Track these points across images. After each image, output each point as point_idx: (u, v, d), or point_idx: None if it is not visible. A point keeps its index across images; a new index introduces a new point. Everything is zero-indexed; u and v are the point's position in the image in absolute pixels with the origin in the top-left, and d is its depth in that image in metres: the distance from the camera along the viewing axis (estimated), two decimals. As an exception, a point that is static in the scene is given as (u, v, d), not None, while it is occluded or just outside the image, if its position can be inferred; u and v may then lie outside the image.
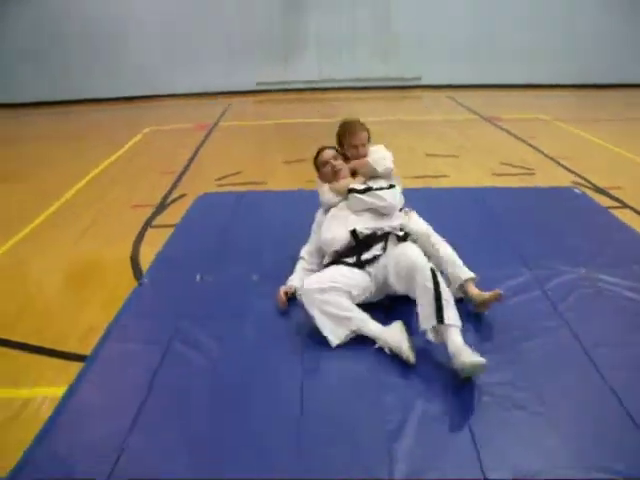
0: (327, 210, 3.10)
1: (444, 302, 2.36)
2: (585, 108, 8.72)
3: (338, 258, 2.84)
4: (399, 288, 2.64)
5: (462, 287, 2.76)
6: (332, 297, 2.57)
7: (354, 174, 3.15)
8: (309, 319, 2.55)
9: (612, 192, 4.86)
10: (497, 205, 4.32)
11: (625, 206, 4.58)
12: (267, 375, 2.41)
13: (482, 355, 2.25)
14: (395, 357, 2.39)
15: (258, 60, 9.71)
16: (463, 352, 2.25)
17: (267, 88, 9.88)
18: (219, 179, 5.18)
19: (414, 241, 2.87)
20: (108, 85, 9.74)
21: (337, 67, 9.78)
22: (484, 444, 1.99)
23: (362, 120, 3.23)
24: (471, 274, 2.77)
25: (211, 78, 9.74)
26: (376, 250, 2.81)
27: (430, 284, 2.39)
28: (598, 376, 2.33)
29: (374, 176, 3.07)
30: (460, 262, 2.83)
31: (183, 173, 5.44)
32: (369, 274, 2.76)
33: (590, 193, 4.73)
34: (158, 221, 4.28)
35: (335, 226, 2.93)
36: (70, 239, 4.05)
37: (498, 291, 2.67)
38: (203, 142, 6.63)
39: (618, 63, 9.95)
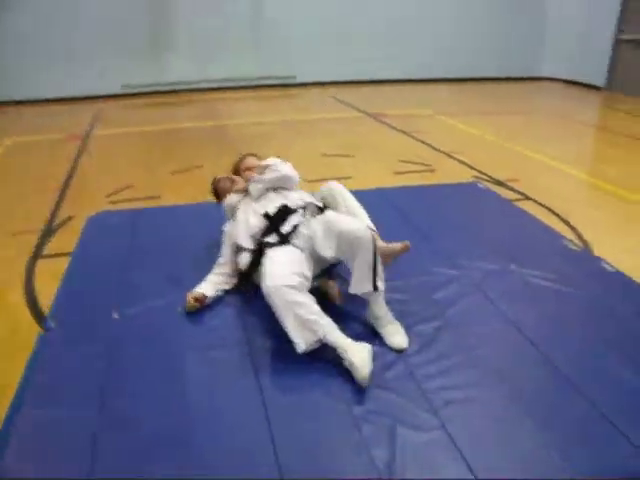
0: (233, 217, 3.14)
1: (378, 270, 2.53)
2: (462, 102, 9.07)
3: (259, 243, 2.80)
4: (328, 254, 2.63)
5: None
6: (303, 297, 2.41)
7: None
8: (266, 320, 2.54)
9: (512, 185, 5.05)
10: (408, 205, 4.32)
11: (527, 198, 4.75)
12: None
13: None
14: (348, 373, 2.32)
15: (125, 59, 8.98)
16: (392, 330, 2.55)
17: (137, 91, 9.21)
18: (109, 195, 4.66)
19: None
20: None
21: (212, 66, 9.34)
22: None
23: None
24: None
25: (75, 81, 8.87)
26: (294, 220, 2.82)
27: (370, 254, 2.49)
28: (553, 370, 2.40)
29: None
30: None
31: (64, 191, 4.83)
32: (300, 249, 2.71)
33: (492, 187, 4.89)
34: (48, 249, 3.73)
35: (244, 220, 2.97)
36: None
37: (407, 242, 2.76)
38: (80, 154, 5.98)
39: (480, 58, 10.53)
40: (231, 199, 3.24)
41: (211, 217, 3.58)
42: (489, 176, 5.28)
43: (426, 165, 5.52)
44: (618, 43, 9.93)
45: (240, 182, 3.29)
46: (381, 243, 2.75)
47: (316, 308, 2.42)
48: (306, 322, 2.35)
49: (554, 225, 4.05)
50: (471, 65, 10.63)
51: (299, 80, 9.86)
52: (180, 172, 5.26)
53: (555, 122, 8.04)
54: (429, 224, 3.97)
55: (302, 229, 2.78)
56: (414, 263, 3.22)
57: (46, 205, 4.49)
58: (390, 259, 2.76)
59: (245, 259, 2.89)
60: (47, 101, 8.85)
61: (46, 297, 3.09)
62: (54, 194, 4.74)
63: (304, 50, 9.57)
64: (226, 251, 3.04)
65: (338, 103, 8.71)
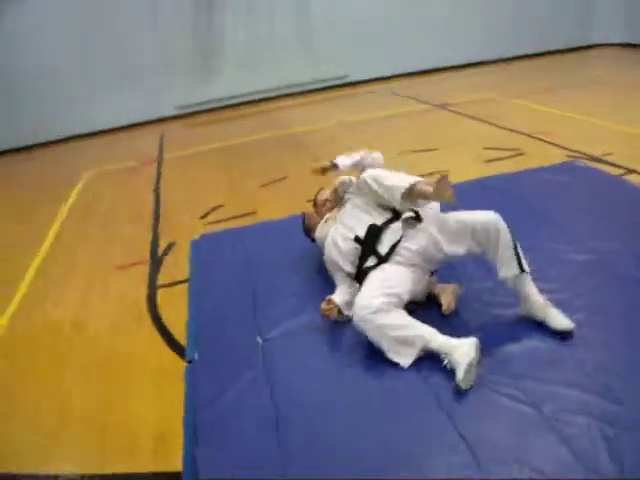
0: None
1: (519, 251, 2.48)
2: (521, 82, 8.75)
3: (358, 269, 2.70)
4: (461, 252, 2.55)
5: None
6: (391, 318, 2.36)
7: None
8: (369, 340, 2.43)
9: (609, 159, 4.79)
10: (517, 191, 4.14)
11: (630, 171, 4.49)
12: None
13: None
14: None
15: (175, 80, 9.01)
16: (553, 313, 2.45)
17: (191, 110, 9.23)
18: (204, 217, 4.62)
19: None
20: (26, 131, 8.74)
21: (261, 75, 9.28)
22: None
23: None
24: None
25: (131, 108, 8.94)
26: (390, 238, 2.65)
27: (509, 238, 2.46)
28: None
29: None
30: None
31: (156, 218, 4.82)
32: (403, 266, 2.59)
33: (590, 164, 4.65)
34: (162, 279, 3.69)
35: (335, 245, 2.87)
36: (62, 324, 3.39)
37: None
38: (159, 179, 5.99)
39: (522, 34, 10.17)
40: (321, 232, 3.15)
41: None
42: (582, 153, 5.01)
43: (514, 150, 5.29)
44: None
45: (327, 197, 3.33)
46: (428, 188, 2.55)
47: (407, 321, 2.39)
48: (401, 340, 2.35)
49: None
50: (515, 42, 10.23)
51: (351, 79, 9.72)
52: (267, 185, 5.19)
53: (625, 90, 7.66)
54: (547, 208, 3.79)
55: (405, 244, 2.61)
56: (547, 250, 3.10)
57: (143, 234, 4.48)
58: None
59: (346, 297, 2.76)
60: (104, 132, 8.96)
61: (176, 326, 3.05)
62: (148, 222, 4.74)
63: (351, 47, 9.40)
64: (337, 276, 2.93)
65: (397, 98, 8.51)
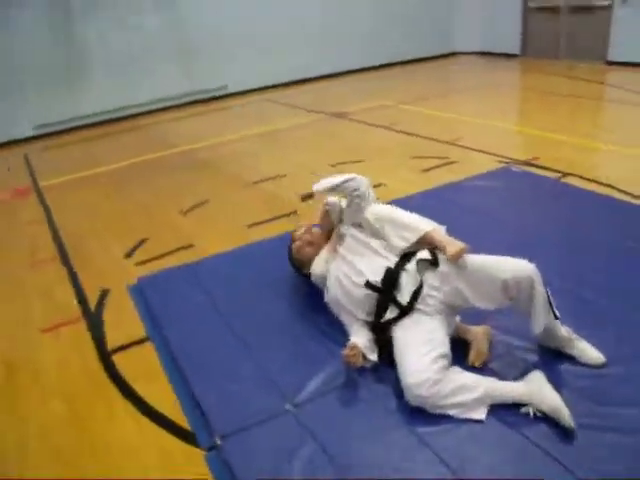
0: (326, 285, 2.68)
1: (551, 299, 2.25)
2: (408, 88, 8.84)
3: (378, 321, 2.39)
4: (491, 307, 2.30)
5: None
6: (450, 385, 2.08)
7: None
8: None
9: (538, 163, 4.87)
10: (473, 201, 4.07)
11: (565, 174, 4.58)
12: None
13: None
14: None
15: (33, 96, 7.84)
16: (584, 346, 2.31)
17: (55, 129, 8.08)
18: (128, 256, 3.89)
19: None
20: None
21: (136, 88, 8.41)
22: None
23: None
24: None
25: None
26: (409, 284, 2.35)
27: (542, 287, 2.21)
28: None
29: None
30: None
31: (67, 262, 3.96)
32: (429, 316, 2.30)
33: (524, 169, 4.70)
34: (111, 341, 2.95)
35: (341, 288, 2.54)
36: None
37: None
38: (48, 213, 5.00)
39: (394, 43, 10.41)
40: (319, 269, 2.76)
41: (274, 254, 3.20)
42: (510, 158, 5.07)
43: (443, 158, 5.21)
44: (527, 11, 10.27)
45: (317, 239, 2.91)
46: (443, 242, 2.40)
47: (467, 381, 2.11)
48: (467, 404, 2.08)
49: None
50: (390, 51, 10.45)
51: (230, 90, 9.19)
52: (189, 212, 4.54)
53: (511, 92, 8.10)
54: (505, 215, 3.81)
55: (430, 292, 2.32)
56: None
57: (57, 284, 3.63)
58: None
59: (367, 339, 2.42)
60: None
61: (161, 401, 2.41)
62: (56, 268, 3.87)
63: (230, 57, 8.89)
64: (346, 318, 2.58)
65: (289, 108, 8.13)
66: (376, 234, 2.60)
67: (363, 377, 2.35)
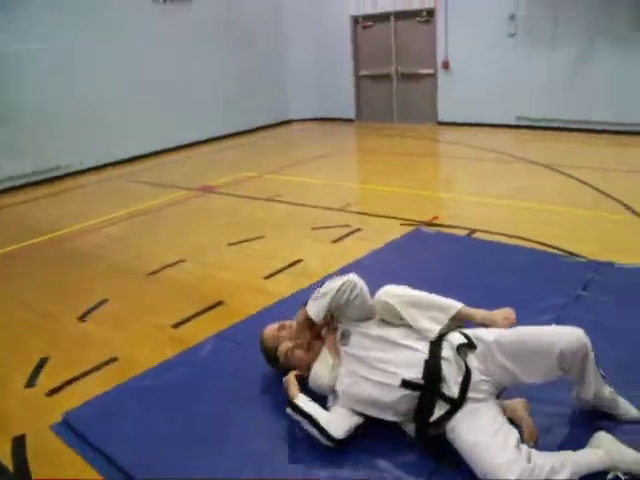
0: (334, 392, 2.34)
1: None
2: (261, 159, 8.70)
3: (421, 424, 2.14)
4: (540, 381, 2.11)
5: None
6: (544, 470, 1.87)
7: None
8: None
9: (439, 222, 5.00)
10: (407, 264, 3.97)
11: (473, 231, 4.75)
12: None
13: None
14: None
15: None
16: (625, 403, 2.23)
17: None
18: (30, 385, 3.06)
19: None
20: None
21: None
22: None
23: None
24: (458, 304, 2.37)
25: None
26: (452, 374, 2.13)
27: (592, 354, 2.08)
28: None
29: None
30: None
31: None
32: (483, 402, 2.08)
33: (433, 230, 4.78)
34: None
35: (363, 395, 2.23)
36: None
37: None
38: None
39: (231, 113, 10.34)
40: (322, 377, 2.36)
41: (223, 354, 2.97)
42: (409, 219, 5.14)
43: (346, 226, 5.10)
44: (358, 79, 10.93)
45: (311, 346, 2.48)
46: (478, 316, 2.33)
47: (555, 462, 1.91)
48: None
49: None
50: (226, 121, 10.32)
51: (78, 167, 8.27)
52: (89, 318, 3.76)
53: (373, 157, 8.40)
54: (445, 275, 3.72)
55: (477, 377, 2.11)
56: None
57: None
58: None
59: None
60: None
61: None
62: None
63: (63, 135, 8.01)
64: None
65: (146, 185, 7.41)
66: (394, 321, 2.32)
67: None
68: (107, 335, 3.50)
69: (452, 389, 2.08)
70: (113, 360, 3.18)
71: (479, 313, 2.32)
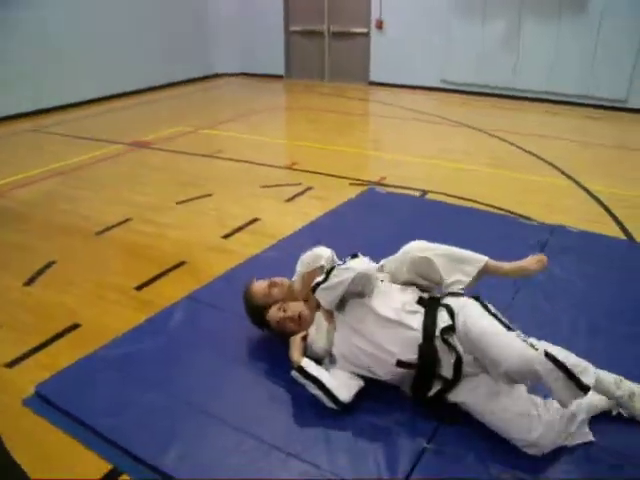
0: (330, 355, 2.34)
1: (573, 369, 1.85)
2: (193, 113, 8.33)
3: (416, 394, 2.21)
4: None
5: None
6: (563, 420, 2.00)
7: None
8: None
9: (388, 182, 5.04)
10: (364, 224, 3.97)
11: (425, 192, 4.83)
12: None
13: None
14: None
15: None
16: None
17: None
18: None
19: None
20: None
21: None
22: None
23: None
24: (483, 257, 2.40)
25: None
26: (447, 356, 2.12)
27: (553, 375, 1.85)
28: None
29: None
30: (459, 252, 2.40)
31: None
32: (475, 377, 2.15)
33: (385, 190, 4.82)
34: None
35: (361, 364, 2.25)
36: None
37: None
38: None
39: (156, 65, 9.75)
40: (319, 343, 2.33)
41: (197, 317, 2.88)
42: (362, 180, 5.14)
43: (298, 184, 5.02)
44: (288, 34, 10.64)
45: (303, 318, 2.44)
46: (507, 266, 2.43)
47: (573, 406, 1.99)
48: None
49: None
50: (149, 74, 9.74)
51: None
52: (38, 279, 3.48)
53: (306, 114, 8.26)
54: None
55: (467, 358, 2.11)
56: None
57: None
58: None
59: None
60: None
61: None
62: None
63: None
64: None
65: (72, 138, 6.86)
66: (424, 274, 2.34)
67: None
68: (62, 300, 3.25)
69: (445, 371, 2.11)
70: (75, 326, 2.97)
71: (506, 264, 2.38)
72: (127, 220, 4.28)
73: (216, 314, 2.93)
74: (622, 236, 4.04)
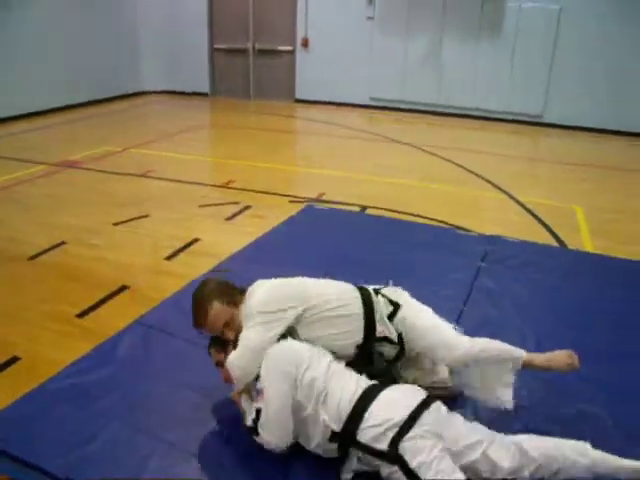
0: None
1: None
2: (117, 132, 8.06)
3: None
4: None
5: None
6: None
7: None
8: None
9: (326, 199, 5.07)
10: (310, 244, 3.97)
11: (364, 208, 4.90)
12: None
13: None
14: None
15: None
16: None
17: None
18: None
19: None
20: None
21: None
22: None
23: None
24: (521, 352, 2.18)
25: None
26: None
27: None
28: None
29: None
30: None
31: None
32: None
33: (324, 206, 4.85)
34: None
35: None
36: None
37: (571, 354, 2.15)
38: None
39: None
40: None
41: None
42: (301, 197, 5.15)
43: (237, 203, 4.95)
44: (213, 52, 10.58)
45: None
46: (540, 359, 2.18)
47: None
48: None
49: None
50: (70, 91, 9.35)
51: None
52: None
53: (237, 132, 8.20)
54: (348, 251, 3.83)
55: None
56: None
57: None
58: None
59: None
60: None
61: None
62: None
63: None
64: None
65: None
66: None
67: None
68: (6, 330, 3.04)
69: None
70: (15, 360, 2.77)
71: (538, 358, 2.17)
72: (62, 243, 4.07)
73: (166, 339, 2.82)
74: (555, 243, 4.25)
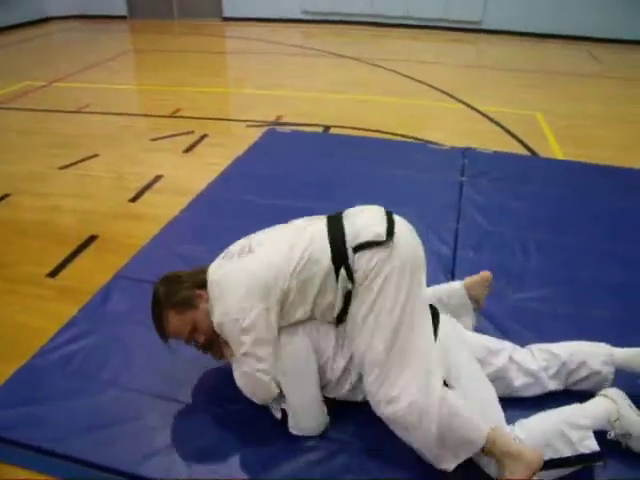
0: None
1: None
2: (26, 62, 7.28)
3: None
4: None
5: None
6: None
7: None
8: None
9: (286, 121, 4.80)
10: (280, 167, 3.76)
11: (327, 127, 4.68)
12: None
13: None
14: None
15: None
16: None
17: None
18: None
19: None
20: None
21: None
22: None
23: None
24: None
25: None
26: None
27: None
28: None
29: None
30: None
31: None
32: None
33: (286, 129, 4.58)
34: None
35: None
36: None
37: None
38: None
39: None
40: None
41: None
42: (258, 120, 4.85)
43: (187, 133, 4.60)
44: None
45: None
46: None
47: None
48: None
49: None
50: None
51: None
52: None
53: (168, 56, 7.60)
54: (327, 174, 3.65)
55: None
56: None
57: None
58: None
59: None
60: None
61: None
62: None
63: None
64: None
65: None
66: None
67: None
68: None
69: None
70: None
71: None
72: (5, 196, 3.64)
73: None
74: (526, 152, 4.20)
